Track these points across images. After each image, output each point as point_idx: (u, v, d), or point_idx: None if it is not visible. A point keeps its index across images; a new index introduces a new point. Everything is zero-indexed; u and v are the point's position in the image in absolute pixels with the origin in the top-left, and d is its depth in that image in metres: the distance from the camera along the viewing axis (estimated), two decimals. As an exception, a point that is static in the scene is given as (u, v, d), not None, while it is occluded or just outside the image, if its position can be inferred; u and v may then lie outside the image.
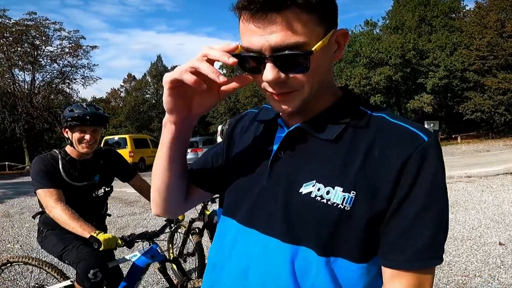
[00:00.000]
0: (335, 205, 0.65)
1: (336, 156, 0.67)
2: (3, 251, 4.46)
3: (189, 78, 0.63)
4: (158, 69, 45.06)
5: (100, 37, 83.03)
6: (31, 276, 3.42)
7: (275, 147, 0.75)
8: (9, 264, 2.39)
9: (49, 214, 1.95)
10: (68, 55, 27.06)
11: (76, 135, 2.09)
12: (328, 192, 0.65)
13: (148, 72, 47.20)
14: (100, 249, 1.74)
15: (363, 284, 0.69)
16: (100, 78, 37.84)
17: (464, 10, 29.84)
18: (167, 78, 0.65)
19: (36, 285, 2.48)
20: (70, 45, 26.80)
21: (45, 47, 25.44)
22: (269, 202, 0.71)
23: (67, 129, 2.12)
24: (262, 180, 0.73)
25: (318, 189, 0.66)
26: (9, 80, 24.64)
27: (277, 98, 0.66)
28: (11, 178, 15.74)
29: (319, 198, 0.66)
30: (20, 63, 25.05)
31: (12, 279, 3.35)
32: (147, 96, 40.57)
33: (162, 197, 0.83)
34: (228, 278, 0.75)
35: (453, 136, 25.68)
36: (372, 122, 0.69)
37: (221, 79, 0.61)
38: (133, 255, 2.06)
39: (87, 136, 2.08)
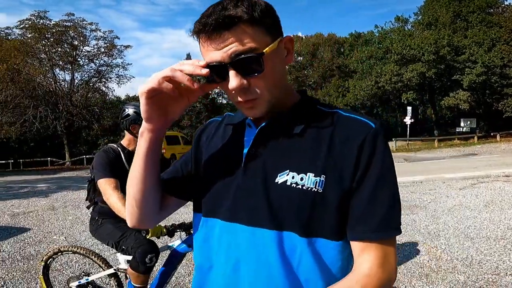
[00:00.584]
0: (309, 189, 0.74)
1: (304, 147, 0.77)
2: (50, 242, 4.80)
3: (167, 86, 0.71)
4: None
5: (132, 36, 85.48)
6: (75, 266, 3.79)
7: (246, 145, 0.82)
8: (59, 253, 2.66)
9: (106, 201, 2.19)
10: (104, 55, 27.93)
11: None
12: (301, 179, 0.74)
13: (179, 71, 48.02)
14: (147, 236, 1.97)
15: (342, 260, 0.78)
16: (133, 77, 38.99)
17: (503, 5, 28.41)
18: (143, 89, 0.72)
19: (83, 273, 2.74)
20: (106, 45, 27.66)
21: (83, 47, 26.40)
22: (248, 196, 0.78)
23: (135, 125, 2.38)
24: (238, 177, 0.80)
25: (293, 177, 0.75)
26: (51, 80, 25.71)
27: (246, 105, 0.75)
28: (53, 173, 16.62)
29: (294, 185, 0.75)
30: (60, 63, 26.06)
31: (58, 268, 3.65)
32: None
33: (138, 207, 0.86)
34: (218, 275, 0.81)
35: (491, 134, 24.58)
36: (329, 117, 0.80)
37: (195, 85, 0.71)
38: (173, 243, 2.29)
39: None
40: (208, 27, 0.69)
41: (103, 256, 2.64)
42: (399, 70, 26.98)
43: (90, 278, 2.62)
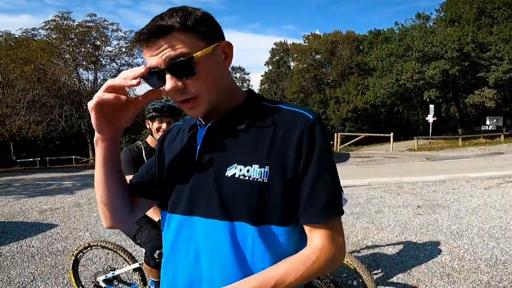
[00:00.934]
0: (255, 179, 0.80)
1: (249, 141, 0.83)
2: (76, 238, 4.97)
3: (109, 96, 0.77)
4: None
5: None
6: (99, 261, 3.92)
7: (199, 144, 0.89)
8: (89, 248, 2.75)
9: None
10: (125, 54, 28.31)
11: (155, 125, 2.43)
12: (248, 171, 0.81)
13: (198, 70, 48.14)
14: None
15: (292, 244, 0.85)
16: (153, 76, 39.35)
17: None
18: (91, 104, 0.78)
19: (108, 268, 2.83)
20: (126, 45, 28.01)
21: (105, 47, 26.87)
22: (203, 190, 0.85)
23: (148, 120, 2.47)
24: (192, 174, 0.87)
25: (240, 170, 0.82)
26: (75, 79, 26.40)
27: (185, 106, 0.82)
28: (78, 171, 17.06)
29: (242, 177, 0.81)
30: (84, 63, 26.55)
31: (84, 264, 3.75)
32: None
33: (108, 209, 0.93)
34: (180, 267, 0.88)
35: (519, 132, 23.78)
36: (272, 112, 0.86)
37: (134, 82, 0.75)
38: None
39: (164, 125, 2.41)
40: (143, 36, 0.76)
41: (129, 251, 2.72)
42: (420, 67, 26.35)
43: (116, 273, 2.71)
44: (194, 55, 0.76)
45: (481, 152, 16.48)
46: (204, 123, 0.89)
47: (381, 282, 3.23)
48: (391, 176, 9.71)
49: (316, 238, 0.82)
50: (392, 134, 21.25)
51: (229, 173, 0.82)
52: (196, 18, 0.78)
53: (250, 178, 0.80)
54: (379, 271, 3.49)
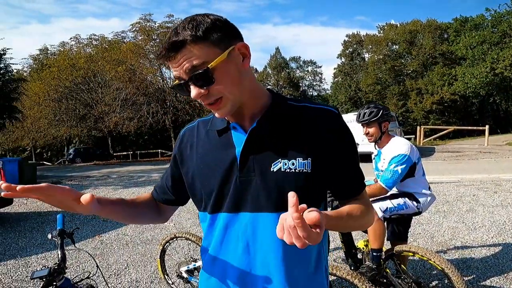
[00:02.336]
0: (301, 171, 0.91)
1: (287, 138, 0.92)
2: (162, 228, 5.36)
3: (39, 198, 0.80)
4: (277, 60, 46.04)
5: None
6: (181, 252, 4.17)
7: (238, 145, 0.94)
8: (175, 239, 2.96)
9: None
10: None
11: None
12: (293, 164, 0.90)
13: (268, 64, 48.65)
14: None
15: None
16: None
17: None
18: None
19: (190, 259, 3.00)
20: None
21: None
22: (248, 187, 0.92)
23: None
24: (234, 173, 0.93)
25: (285, 164, 0.91)
26: (159, 78, 28.52)
27: (212, 107, 0.89)
28: (163, 164, 18.45)
29: (288, 170, 0.90)
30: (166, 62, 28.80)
31: (168, 253, 4.09)
32: (269, 87, 42.16)
33: (137, 222, 1.09)
34: (228, 261, 0.94)
35: None
36: (302, 110, 0.96)
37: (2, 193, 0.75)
38: None
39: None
40: (162, 54, 0.84)
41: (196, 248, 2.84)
42: (522, 53, 23.26)
43: (197, 264, 2.85)
44: (208, 66, 0.82)
45: None
46: (240, 126, 0.95)
47: (472, 285, 2.97)
48: (486, 172, 8.80)
49: (358, 202, 1.00)
50: (487, 126, 19.14)
51: (274, 168, 0.91)
52: (206, 27, 0.83)
53: (297, 170, 0.90)
54: (470, 273, 3.21)
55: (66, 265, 1.55)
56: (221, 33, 0.84)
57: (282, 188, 0.90)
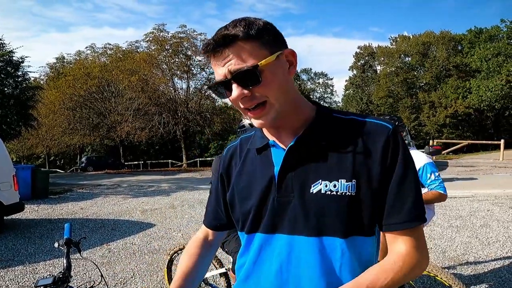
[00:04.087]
0: (344, 194, 0.81)
1: (330, 156, 0.84)
2: (170, 238, 5.38)
3: None
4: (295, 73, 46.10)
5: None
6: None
7: (276, 164, 0.89)
8: (183, 249, 2.95)
9: None
10: (212, 66, 30.15)
11: None
12: (335, 186, 0.82)
13: (282, 76, 48.55)
14: None
15: (375, 254, 0.87)
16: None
17: None
18: None
19: None
20: (214, 54, 29.76)
21: (195, 57, 28.32)
22: (285, 208, 0.86)
23: None
24: (272, 193, 0.87)
25: (326, 185, 0.83)
26: (171, 88, 28.80)
27: (253, 114, 0.83)
28: (173, 174, 18.57)
29: (329, 192, 0.82)
30: (178, 72, 28.58)
31: (176, 263, 4.08)
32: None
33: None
34: (260, 283, 0.89)
35: None
36: (349, 124, 0.87)
37: None
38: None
39: None
40: (210, 46, 0.80)
41: (218, 256, 2.83)
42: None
43: (205, 276, 2.83)
44: (259, 63, 0.78)
45: None
46: (279, 143, 0.90)
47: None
48: (501, 187, 8.59)
49: (401, 244, 0.83)
50: (502, 141, 18.78)
51: (314, 189, 0.84)
52: (259, 27, 0.80)
53: (338, 193, 0.82)
54: (482, 290, 3.11)
55: (72, 273, 1.55)
56: (272, 36, 0.82)
57: (322, 211, 0.82)
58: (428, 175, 2.50)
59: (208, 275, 2.85)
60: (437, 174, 2.52)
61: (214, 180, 1.07)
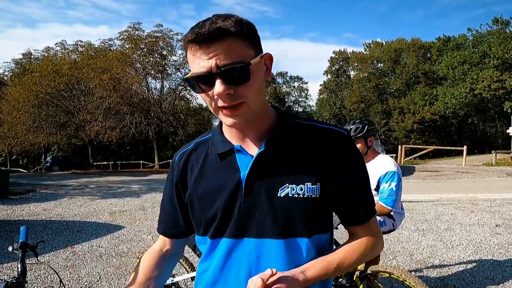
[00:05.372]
0: (310, 196, 0.86)
1: (296, 161, 0.88)
2: (139, 240, 5.23)
3: None
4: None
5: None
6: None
7: (243, 169, 0.88)
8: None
9: None
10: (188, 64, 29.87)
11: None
12: (301, 189, 0.86)
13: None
14: None
15: (330, 247, 0.95)
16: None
17: None
18: None
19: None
20: (190, 54, 29.51)
21: (171, 57, 28.04)
22: (253, 212, 0.87)
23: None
24: (239, 199, 0.87)
25: (293, 189, 0.86)
26: (145, 88, 28.20)
27: (229, 112, 0.80)
28: (144, 175, 18.13)
29: (296, 195, 0.86)
30: (152, 72, 28.05)
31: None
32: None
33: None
34: (233, 285, 0.89)
35: None
36: (310, 130, 0.91)
37: None
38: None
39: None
40: (201, 37, 0.76)
41: (189, 259, 2.76)
42: (500, 76, 24.18)
43: (175, 280, 2.76)
44: (251, 61, 0.78)
45: None
46: (245, 149, 0.89)
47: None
48: (463, 192, 9.02)
49: (362, 232, 0.94)
50: (465, 147, 19.64)
51: (281, 193, 0.86)
52: (248, 26, 0.80)
53: (305, 195, 0.86)
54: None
55: (29, 279, 1.46)
56: (257, 38, 0.83)
57: (289, 214, 0.86)
58: (384, 184, 2.47)
59: (179, 279, 2.78)
60: (393, 185, 2.45)
61: (168, 186, 1.01)
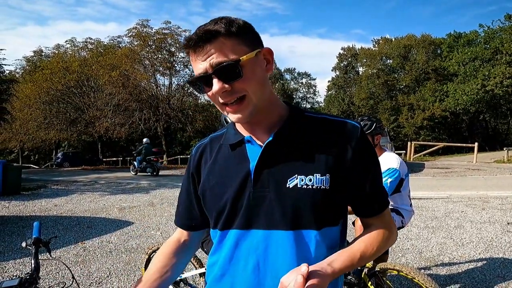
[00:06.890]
0: (319, 187, 0.86)
1: (306, 152, 0.88)
2: (148, 236, 5.28)
3: None
4: (272, 71, 46.60)
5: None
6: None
7: (252, 160, 0.90)
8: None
9: None
10: (196, 64, 29.84)
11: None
12: (310, 180, 0.86)
13: (267, 75, 48.82)
14: None
15: (338, 241, 0.93)
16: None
17: None
18: None
19: None
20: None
21: (179, 54, 27.84)
22: (261, 203, 0.87)
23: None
24: (248, 188, 0.88)
25: (302, 180, 0.86)
26: (153, 84, 28.30)
27: (231, 109, 0.85)
28: (152, 171, 18.23)
29: (305, 186, 0.86)
30: (160, 68, 28.09)
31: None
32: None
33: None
34: (237, 280, 0.90)
35: None
36: (321, 123, 0.93)
37: None
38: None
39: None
40: (192, 42, 0.82)
41: (197, 256, 2.78)
42: (512, 71, 23.75)
43: (183, 276, 2.78)
44: (240, 58, 0.81)
45: None
46: (255, 139, 0.91)
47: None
48: (474, 189, 8.88)
49: (379, 223, 0.96)
50: (476, 144, 19.37)
51: (290, 184, 0.86)
52: (239, 25, 0.83)
53: (314, 187, 0.86)
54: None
55: (40, 274, 1.48)
56: (251, 35, 0.86)
57: (298, 205, 0.86)
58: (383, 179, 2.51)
59: (187, 275, 2.80)
60: (389, 180, 2.48)
61: (185, 179, 1.05)
